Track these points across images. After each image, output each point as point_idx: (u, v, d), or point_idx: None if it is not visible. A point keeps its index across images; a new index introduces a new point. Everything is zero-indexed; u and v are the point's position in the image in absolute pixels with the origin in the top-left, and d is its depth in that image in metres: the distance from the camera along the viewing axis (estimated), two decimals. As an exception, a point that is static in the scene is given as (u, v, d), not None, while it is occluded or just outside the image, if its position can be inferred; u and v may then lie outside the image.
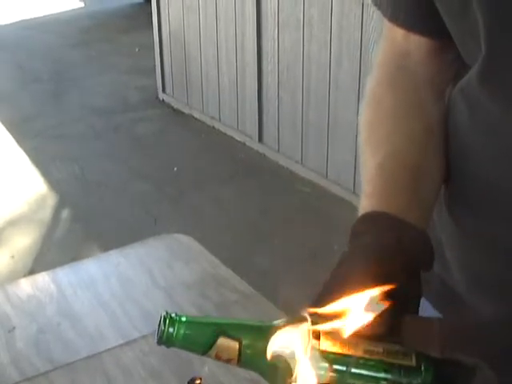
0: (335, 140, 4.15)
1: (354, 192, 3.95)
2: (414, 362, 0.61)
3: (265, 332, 0.61)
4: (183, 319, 0.61)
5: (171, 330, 0.61)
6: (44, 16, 8.41)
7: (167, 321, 0.61)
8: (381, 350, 0.61)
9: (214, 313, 1.39)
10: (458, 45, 0.83)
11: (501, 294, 0.83)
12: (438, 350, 0.60)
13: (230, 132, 5.08)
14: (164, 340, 0.61)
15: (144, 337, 1.33)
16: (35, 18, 8.32)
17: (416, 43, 0.90)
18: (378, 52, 0.97)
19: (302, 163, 4.45)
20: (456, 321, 0.66)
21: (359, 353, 0.60)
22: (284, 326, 0.61)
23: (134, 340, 1.33)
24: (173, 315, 0.62)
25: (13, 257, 3.62)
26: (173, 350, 1.30)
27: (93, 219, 4.04)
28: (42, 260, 3.51)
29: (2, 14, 8.36)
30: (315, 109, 4.27)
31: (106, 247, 1.60)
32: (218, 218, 3.96)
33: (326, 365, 0.59)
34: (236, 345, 0.61)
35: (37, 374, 1.25)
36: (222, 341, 0.61)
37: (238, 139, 4.98)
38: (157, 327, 0.62)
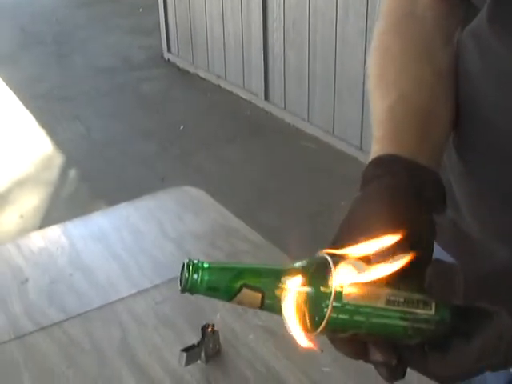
0: (342, 97, 4.12)
1: (360, 148, 3.94)
2: (433, 311, 0.61)
3: (286, 277, 0.61)
4: (206, 265, 0.60)
5: (195, 276, 0.60)
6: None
7: (191, 268, 0.60)
8: (402, 299, 0.61)
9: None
10: None
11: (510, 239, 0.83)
12: (461, 298, 0.60)
13: (235, 90, 5.05)
14: (189, 287, 0.60)
15: (156, 286, 1.34)
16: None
17: None
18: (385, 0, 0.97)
19: (308, 120, 4.44)
20: (478, 268, 0.66)
21: (381, 303, 0.60)
22: (305, 268, 0.61)
23: (146, 289, 1.34)
24: (195, 261, 0.61)
25: (22, 216, 3.63)
26: (185, 298, 1.31)
27: (99, 178, 4.04)
28: (50, 219, 3.52)
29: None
30: (321, 65, 4.24)
31: (113, 206, 1.61)
32: (224, 176, 3.96)
33: (347, 316, 0.59)
34: (259, 296, 0.61)
35: (50, 323, 1.26)
36: (245, 292, 0.61)
37: (244, 97, 4.95)
38: (179, 275, 0.61)
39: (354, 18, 3.86)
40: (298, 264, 0.62)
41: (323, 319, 0.59)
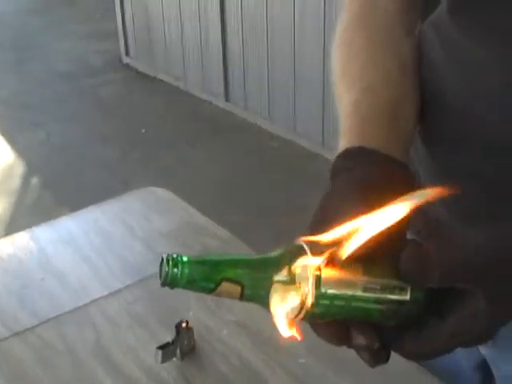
0: (302, 94, 4.15)
1: (322, 144, 3.97)
2: (408, 296, 0.63)
3: (264, 267, 0.62)
4: (185, 259, 0.61)
5: (175, 270, 0.60)
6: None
7: (170, 262, 0.60)
8: (378, 286, 0.62)
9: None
10: None
11: (481, 223, 0.85)
12: (436, 282, 0.62)
13: (196, 92, 5.05)
14: (169, 281, 0.61)
15: (127, 287, 1.35)
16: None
17: None
18: None
19: (269, 119, 4.46)
20: (451, 251, 0.66)
21: (359, 287, 0.62)
22: (283, 256, 0.62)
23: (118, 290, 1.34)
24: (174, 256, 0.61)
25: (-16, 225, 3.60)
26: (157, 297, 1.32)
27: (62, 184, 4.02)
28: (15, 226, 3.48)
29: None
30: (280, 64, 4.27)
31: (78, 211, 1.62)
32: (187, 178, 3.96)
33: (327, 301, 0.61)
34: (238, 288, 0.62)
35: (23, 329, 1.26)
36: (225, 285, 0.62)
37: (205, 99, 4.96)
38: (158, 269, 0.61)
39: (312, 16, 3.89)
40: (275, 253, 0.63)
41: (303, 305, 0.60)
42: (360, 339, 0.63)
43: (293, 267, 0.61)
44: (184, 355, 1.16)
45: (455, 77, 0.82)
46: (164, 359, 1.13)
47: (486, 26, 0.76)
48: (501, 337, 0.94)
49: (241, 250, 1.43)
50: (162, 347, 1.13)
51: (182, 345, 1.15)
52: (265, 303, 0.62)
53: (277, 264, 0.62)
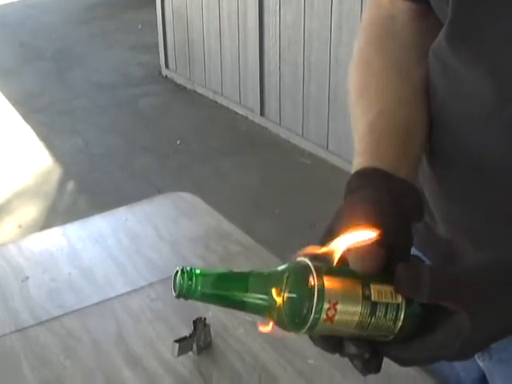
0: (335, 112, 4.20)
1: (354, 163, 3.99)
2: (402, 316, 0.66)
3: (271, 282, 0.65)
4: (198, 272, 0.65)
5: (190, 283, 0.64)
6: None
7: (185, 275, 0.64)
8: (376, 293, 0.66)
9: (218, 264, 1.45)
10: (434, 8, 0.89)
11: (481, 243, 0.89)
12: (425, 298, 0.66)
13: (232, 106, 5.13)
14: (184, 293, 0.64)
15: (151, 284, 1.40)
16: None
17: (400, 8, 0.96)
18: (364, 16, 1.02)
19: (302, 136, 4.51)
20: (445, 268, 0.70)
21: (353, 325, 0.65)
22: (288, 272, 0.66)
23: (142, 287, 1.40)
24: (188, 269, 0.65)
25: (20, 226, 3.69)
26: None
27: (97, 191, 4.10)
28: (48, 229, 3.56)
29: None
30: (316, 82, 4.32)
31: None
32: (220, 190, 4.01)
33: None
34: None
35: (50, 318, 1.32)
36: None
37: (240, 113, 5.03)
38: (172, 281, 0.65)
39: (348, 36, 3.94)
40: (280, 268, 0.66)
41: (306, 321, 0.64)
42: (352, 349, 0.68)
43: (297, 283, 0.65)
44: (200, 350, 1.21)
45: (454, 103, 0.86)
46: (180, 352, 1.18)
47: (482, 54, 0.79)
48: (497, 350, 0.98)
49: (263, 257, 1.48)
50: (178, 341, 1.18)
51: (198, 340, 1.20)
52: (269, 316, 0.67)
53: (282, 279, 0.65)
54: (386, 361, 0.70)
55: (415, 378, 1.12)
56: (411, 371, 1.12)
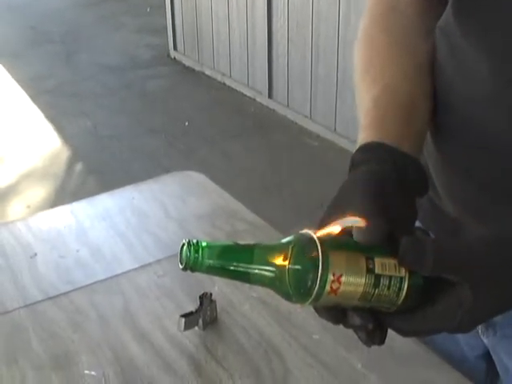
0: (343, 94, 4.19)
1: (361, 145, 3.99)
2: (405, 289, 0.68)
3: (276, 254, 0.67)
4: (204, 244, 0.66)
5: (196, 255, 0.65)
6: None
7: (192, 247, 0.65)
8: (380, 266, 0.67)
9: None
10: None
11: (484, 219, 0.90)
12: (429, 271, 0.67)
13: (240, 88, 5.13)
14: (191, 265, 0.65)
15: (158, 261, 1.41)
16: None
17: None
18: None
19: (310, 118, 4.51)
20: (448, 242, 0.71)
21: (356, 297, 0.67)
22: (293, 244, 0.67)
23: (149, 264, 1.41)
24: (195, 241, 0.66)
25: (29, 207, 3.71)
26: (186, 272, 1.38)
27: (106, 172, 4.12)
28: (56, 209, 3.59)
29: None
30: (324, 64, 4.31)
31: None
32: (227, 171, 4.03)
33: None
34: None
35: (58, 293, 1.34)
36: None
37: (248, 95, 5.03)
38: (179, 254, 0.66)
39: (356, 19, 3.93)
40: (285, 240, 0.68)
41: (311, 292, 0.65)
42: (355, 319, 0.69)
43: (301, 255, 0.66)
44: (206, 325, 1.22)
45: (459, 80, 0.87)
46: (186, 327, 1.19)
47: (488, 27, 0.80)
48: (501, 326, 0.99)
49: (270, 235, 1.48)
50: (185, 316, 1.19)
51: (204, 315, 1.21)
52: (274, 288, 0.68)
53: (287, 252, 0.66)
54: (389, 336, 0.71)
55: (418, 354, 1.13)
56: (414, 346, 1.13)
